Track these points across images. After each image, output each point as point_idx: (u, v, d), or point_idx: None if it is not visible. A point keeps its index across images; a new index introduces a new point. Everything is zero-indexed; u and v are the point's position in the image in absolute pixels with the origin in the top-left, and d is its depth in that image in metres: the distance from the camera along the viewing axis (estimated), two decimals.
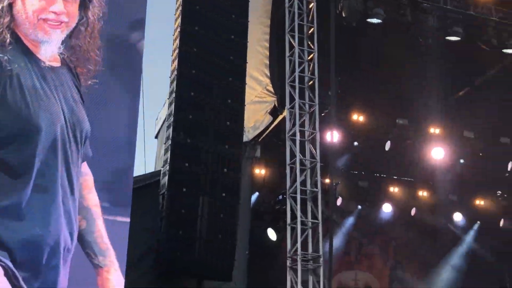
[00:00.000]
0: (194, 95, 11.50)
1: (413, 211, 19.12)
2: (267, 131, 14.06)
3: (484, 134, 16.15)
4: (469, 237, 20.04)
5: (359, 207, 18.87)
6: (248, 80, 12.55)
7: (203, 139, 11.39)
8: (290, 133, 11.61)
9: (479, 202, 19.65)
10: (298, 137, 11.43)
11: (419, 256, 20.58)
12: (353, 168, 18.38)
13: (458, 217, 19.59)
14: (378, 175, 19.22)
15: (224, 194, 10.58)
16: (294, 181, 11.26)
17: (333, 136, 13.49)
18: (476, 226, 20.35)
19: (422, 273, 20.41)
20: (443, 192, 18.84)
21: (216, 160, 11.46)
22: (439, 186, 18.58)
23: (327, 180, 12.67)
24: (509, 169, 16.70)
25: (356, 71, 15.54)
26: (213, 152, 11.37)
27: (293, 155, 11.41)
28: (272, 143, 14.24)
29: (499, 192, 20.36)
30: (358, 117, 15.42)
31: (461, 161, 16.39)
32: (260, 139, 14.19)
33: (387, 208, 18.88)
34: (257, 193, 16.07)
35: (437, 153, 15.35)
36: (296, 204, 10.99)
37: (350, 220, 19.57)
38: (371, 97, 15.86)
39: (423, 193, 18.93)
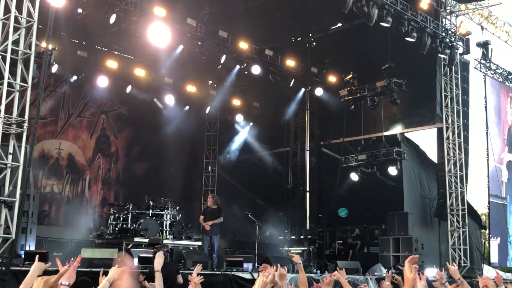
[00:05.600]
0: None
1: (128, 88, 19.42)
2: None
3: (206, 25, 16.88)
4: (178, 119, 21.33)
5: (75, 76, 18.40)
6: None
7: None
8: None
9: (191, 88, 20.91)
10: None
11: (130, 130, 21.34)
12: (73, 36, 17.66)
13: (170, 99, 20.59)
14: (98, 47, 18.85)
15: None
16: (5, 38, 10.36)
17: None
18: (185, 109, 21.73)
19: (136, 147, 21.29)
20: (160, 73, 19.49)
21: None
22: (157, 68, 19.12)
23: (44, 44, 11.93)
24: (221, 61, 17.84)
25: None
26: None
27: (8, 10, 10.41)
28: None
29: (210, 81, 21.95)
30: None
31: (181, 46, 16.93)
32: None
33: (102, 82, 18.78)
34: None
35: (160, 36, 15.55)
36: (5, 64, 10.21)
37: (63, 89, 19.10)
38: None
39: (140, 72, 19.28)
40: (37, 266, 3.98)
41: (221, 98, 22.21)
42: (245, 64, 18.42)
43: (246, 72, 18.91)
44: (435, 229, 18.41)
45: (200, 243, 15.57)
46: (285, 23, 18.80)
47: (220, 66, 18.48)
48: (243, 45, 17.90)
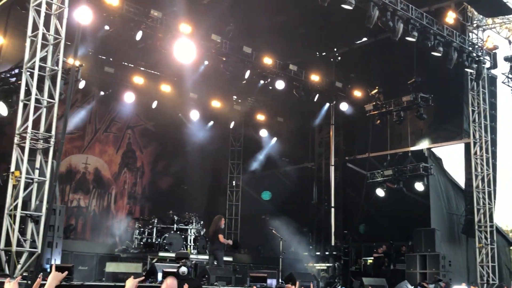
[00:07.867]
0: None
1: (154, 104, 19.62)
2: None
3: (231, 41, 16.98)
4: (203, 134, 21.40)
5: (102, 92, 18.66)
6: None
7: None
8: (36, 3, 10.75)
9: (215, 103, 21.02)
10: (43, 9, 10.65)
11: (155, 145, 21.51)
12: (101, 52, 17.93)
13: (195, 114, 20.72)
14: (125, 63, 19.10)
15: None
16: (33, 55, 10.57)
17: (84, 16, 12.87)
18: (210, 124, 21.82)
19: (161, 162, 21.41)
20: (185, 89, 19.64)
21: None
22: (182, 83, 19.27)
23: (71, 60, 12.14)
24: (246, 77, 17.90)
25: None
26: None
27: (36, 28, 10.64)
28: (15, 10, 12.99)
29: (235, 97, 22.04)
30: (112, 0, 14.68)
31: (206, 62, 17.05)
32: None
33: (129, 97, 19.02)
34: None
35: (186, 52, 15.69)
36: (33, 80, 10.40)
37: (90, 104, 19.37)
38: None
39: (166, 88, 19.47)
40: (54, 276, 4.01)
41: (245, 113, 22.30)
42: (269, 79, 18.45)
43: (270, 87, 18.95)
44: (462, 245, 18.07)
45: (228, 258, 15.68)
46: (310, 38, 18.81)
47: (244, 82, 18.56)
48: (267, 61, 17.96)
